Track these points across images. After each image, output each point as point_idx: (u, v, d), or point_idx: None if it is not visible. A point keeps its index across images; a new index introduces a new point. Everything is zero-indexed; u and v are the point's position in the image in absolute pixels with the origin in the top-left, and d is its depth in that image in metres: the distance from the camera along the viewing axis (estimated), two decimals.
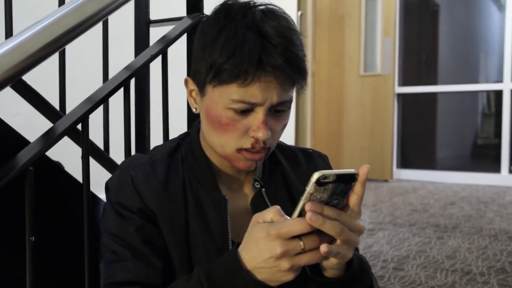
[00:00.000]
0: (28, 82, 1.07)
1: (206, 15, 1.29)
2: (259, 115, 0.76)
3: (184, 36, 1.30)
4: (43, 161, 0.96)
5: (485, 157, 5.78)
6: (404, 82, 5.21)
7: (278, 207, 0.67)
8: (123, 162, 0.88)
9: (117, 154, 1.20)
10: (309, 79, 3.85)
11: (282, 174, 0.91)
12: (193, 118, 1.31)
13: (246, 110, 0.76)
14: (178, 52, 1.35)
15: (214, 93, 0.76)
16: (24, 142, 0.93)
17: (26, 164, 0.84)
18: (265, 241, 0.65)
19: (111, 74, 1.15)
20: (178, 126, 1.26)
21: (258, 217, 0.68)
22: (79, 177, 1.02)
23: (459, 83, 5.32)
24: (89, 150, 1.01)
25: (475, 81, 6.13)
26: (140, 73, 1.21)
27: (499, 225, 2.86)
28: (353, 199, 0.67)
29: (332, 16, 5.04)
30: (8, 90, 0.85)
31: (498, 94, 4.86)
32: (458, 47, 6.42)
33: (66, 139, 0.99)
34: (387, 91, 4.82)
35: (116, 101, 1.16)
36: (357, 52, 4.95)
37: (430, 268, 2.06)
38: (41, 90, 1.12)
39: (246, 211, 0.86)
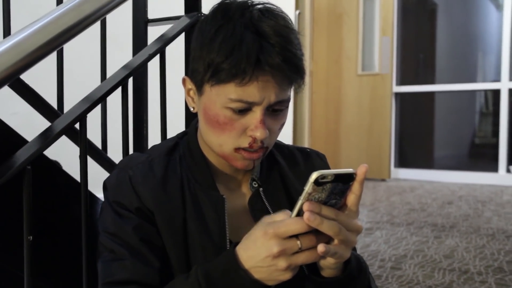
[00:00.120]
0: (26, 81, 1.07)
1: (204, 14, 1.29)
2: (257, 114, 0.76)
3: (182, 35, 1.30)
4: (41, 160, 0.96)
5: (482, 156, 5.79)
6: (402, 81, 5.21)
7: (288, 211, 0.66)
8: (121, 161, 0.88)
9: (115, 153, 1.20)
10: (307, 78, 3.84)
11: (280, 173, 0.91)
12: (191, 117, 1.31)
13: (244, 110, 0.76)
14: (176, 51, 1.35)
15: (212, 92, 0.76)
16: (22, 141, 0.93)
17: (24, 163, 0.84)
18: (262, 240, 0.65)
19: (109, 73, 1.14)
20: (176, 125, 1.26)
21: (267, 219, 0.68)
22: (77, 176, 1.02)
23: (457, 82, 5.33)
24: (87, 149, 1.01)
25: (472, 80, 6.14)
26: (138, 72, 1.21)
27: (496, 225, 2.87)
28: (351, 198, 0.67)
29: (330, 15, 5.04)
30: (6, 89, 0.84)
31: (496, 93, 4.88)
32: (456, 46, 6.43)
33: (64, 138, 0.99)
34: (385, 90, 4.83)
35: (114, 100, 1.16)
36: (355, 51, 4.95)
37: (428, 267, 2.07)
38: (39, 89, 1.12)
39: (244, 210, 0.85)
